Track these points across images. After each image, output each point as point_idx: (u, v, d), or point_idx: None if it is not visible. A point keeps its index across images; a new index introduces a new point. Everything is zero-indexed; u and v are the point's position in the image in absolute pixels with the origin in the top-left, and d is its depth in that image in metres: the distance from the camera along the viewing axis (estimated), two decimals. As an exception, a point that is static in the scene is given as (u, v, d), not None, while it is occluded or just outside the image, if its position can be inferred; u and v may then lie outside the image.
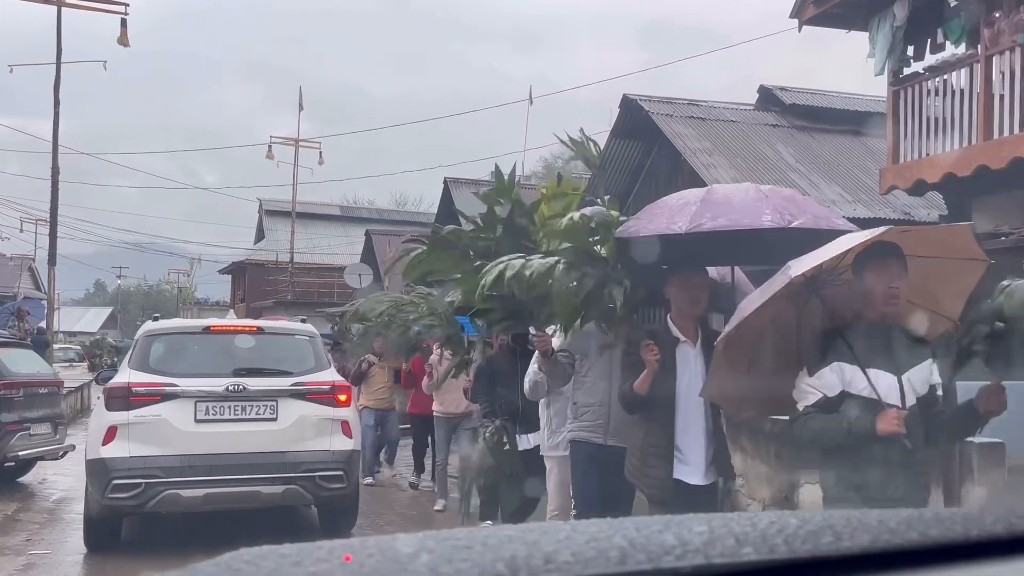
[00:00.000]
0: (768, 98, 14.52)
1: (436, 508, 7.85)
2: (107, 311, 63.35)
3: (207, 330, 6.77)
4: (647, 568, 0.68)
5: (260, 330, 6.89)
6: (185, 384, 6.07)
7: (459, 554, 0.68)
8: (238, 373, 6.23)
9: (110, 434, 5.89)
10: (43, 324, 23.96)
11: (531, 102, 25.02)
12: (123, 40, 20.46)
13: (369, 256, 22.71)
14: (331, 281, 31.18)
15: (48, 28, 20.07)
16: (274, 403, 6.24)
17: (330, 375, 6.56)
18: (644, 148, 14.75)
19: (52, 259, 26.34)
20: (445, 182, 17.14)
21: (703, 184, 12.60)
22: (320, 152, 27.12)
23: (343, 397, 6.45)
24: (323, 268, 29.48)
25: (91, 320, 60.99)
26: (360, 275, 20.27)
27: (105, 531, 6.12)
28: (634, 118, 14.10)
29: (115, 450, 5.85)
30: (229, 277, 35.89)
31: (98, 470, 5.85)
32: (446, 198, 17.42)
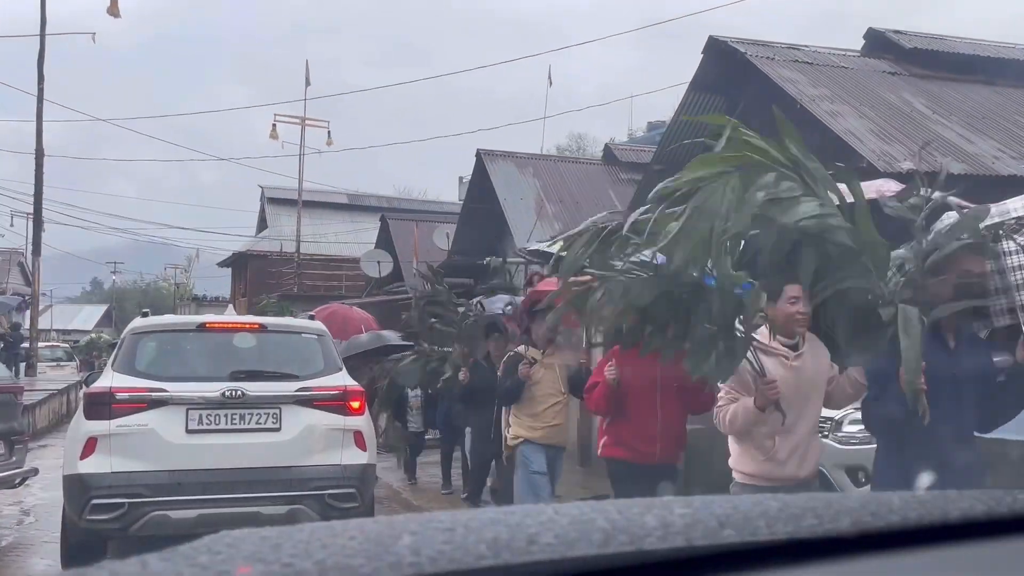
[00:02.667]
0: (879, 43, 12.18)
1: None
2: (102, 309, 61.58)
3: (202, 327, 6.11)
4: (629, 550, 0.68)
5: (262, 328, 6.25)
6: (175, 389, 5.44)
7: (441, 536, 0.68)
8: (236, 377, 5.59)
9: (89, 446, 5.27)
10: (18, 320, 21.70)
11: (551, 82, 23.01)
12: (113, 11, 18.04)
13: (386, 243, 20.58)
14: (339, 273, 29.16)
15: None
16: (277, 411, 5.59)
17: (341, 379, 5.88)
18: (727, 104, 12.36)
19: (36, 248, 23.81)
20: (478, 154, 15.14)
21: (818, 136, 10.08)
22: (328, 132, 24.83)
23: (356, 404, 5.80)
24: (330, 260, 27.33)
25: (86, 318, 59.29)
26: (379, 263, 18.07)
27: (86, 555, 5.40)
28: (721, 66, 11.66)
29: (95, 465, 5.23)
30: (229, 271, 33.58)
31: (75, 488, 5.26)
32: (479, 171, 15.30)
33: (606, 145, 17.52)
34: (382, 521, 0.75)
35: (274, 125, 25.06)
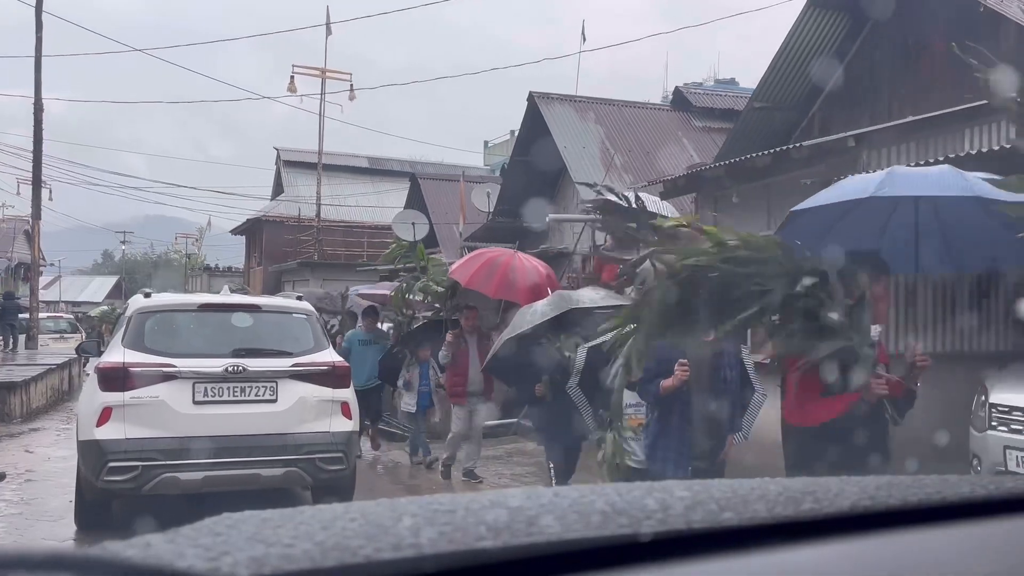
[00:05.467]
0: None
1: None
2: (112, 280, 60.19)
3: (203, 307, 6.80)
4: (628, 532, 0.69)
5: (258, 308, 6.91)
6: (183, 364, 6.12)
7: (441, 518, 0.69)
8: (237, 353, 6.28)
9: (105, 415, 5.93)
10: (10, 289, 19.86)
11: (584, 39, 20.86)
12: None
13: (417, 205, 18.51)
14: (360, 240, 27.24)
15: None
16: (274, 384, 6.30)
17: (329, 355, 6.66)
18: (851, 26, 9.99)
19: (36, 211, 21.85)
20: (531, 97, 13.23)
21: (1012, 46, 7.88)
22: (351, 86, 22.69)
23: (343, 378, 6.57)
24: (352, 226, 25.36)
25: (96, 290, 58.21)
26: (414, 224, 15.89)
27: (98, 514, 6.24)
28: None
29: (110, 432, 5.90)
30: (243, 240, 31.61)
31: (93, 452, 5.95)
32: (531, 119, 13.23)
33: (676, 88, 15.43)
34: (383, 503, 0.76)
35: (292, 77, 22.98)
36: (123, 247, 59.94)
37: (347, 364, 6.78)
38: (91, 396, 6.16)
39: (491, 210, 16.62)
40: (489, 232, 16.11)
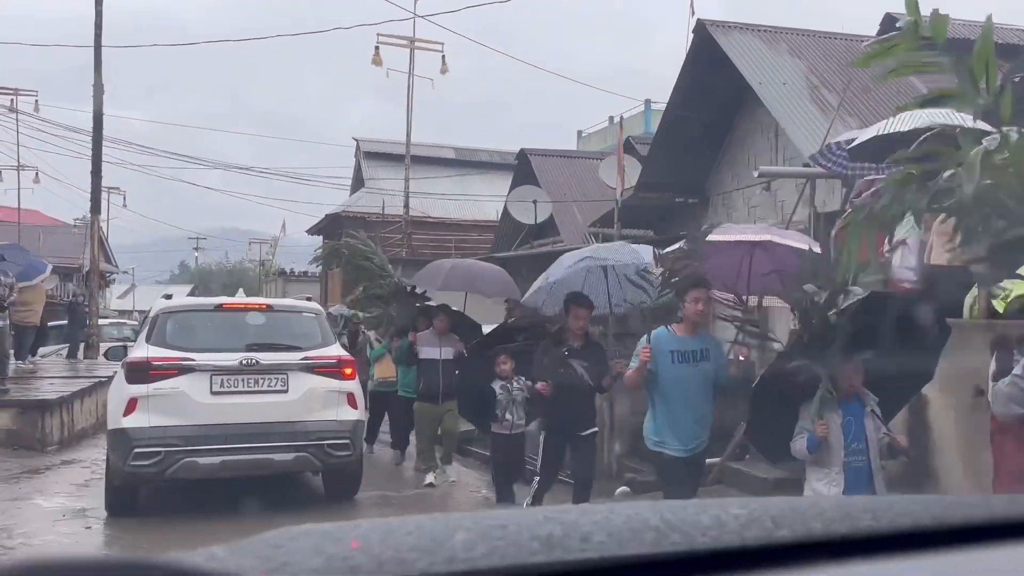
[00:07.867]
0: None
1: None
2: (187, 290, 59.20)
3: (219, 307, 7.48)
4: (682, 549, 0.68)
5: (269, 307, 7.59)
6: (201, 358, 6.78)
7: (495, 532, 0.69)
8: (251, 348, 6.91)
9: (131, 405, 6.54)
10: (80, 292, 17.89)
11: (693, 12, 17.18)
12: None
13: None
14: (448, 238, 24.29)
15: None
16: (285, 376, 6.84)
17: (336, 350, 7.24)
18: None
19: (96, 204, 19.34)
20: (700, 27, 10.09)
21: None
22: (443, 57, 19.79)
23: (348, 371, 7.09)
24: (442, 221, 22.65)
25: (170, 299, 56.69)
26: (534, 202, 12.73)
27: (126, 496, 6.91)
28: None
29: (136, 420, 6.51)
30: (319, 240, 28.98)
31: (120, 439, 6.63)
32: (700, 54, 10.02)
33: (887, 15, 12.01)
34: (438, 518, 0.76)
35: (376, 48, 20.26)
36: (196, 254, 59.43)
37: (351, 357, 7.35)
38: (119, 388, 6.88)
39: (627, 186, 13.29)
40: (626, 212, 12.77)
